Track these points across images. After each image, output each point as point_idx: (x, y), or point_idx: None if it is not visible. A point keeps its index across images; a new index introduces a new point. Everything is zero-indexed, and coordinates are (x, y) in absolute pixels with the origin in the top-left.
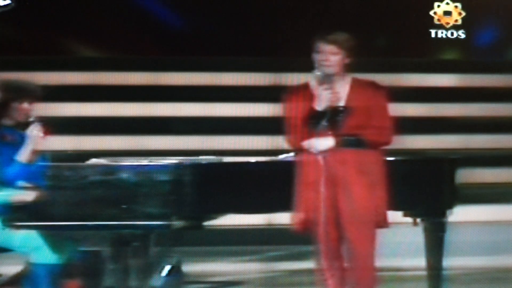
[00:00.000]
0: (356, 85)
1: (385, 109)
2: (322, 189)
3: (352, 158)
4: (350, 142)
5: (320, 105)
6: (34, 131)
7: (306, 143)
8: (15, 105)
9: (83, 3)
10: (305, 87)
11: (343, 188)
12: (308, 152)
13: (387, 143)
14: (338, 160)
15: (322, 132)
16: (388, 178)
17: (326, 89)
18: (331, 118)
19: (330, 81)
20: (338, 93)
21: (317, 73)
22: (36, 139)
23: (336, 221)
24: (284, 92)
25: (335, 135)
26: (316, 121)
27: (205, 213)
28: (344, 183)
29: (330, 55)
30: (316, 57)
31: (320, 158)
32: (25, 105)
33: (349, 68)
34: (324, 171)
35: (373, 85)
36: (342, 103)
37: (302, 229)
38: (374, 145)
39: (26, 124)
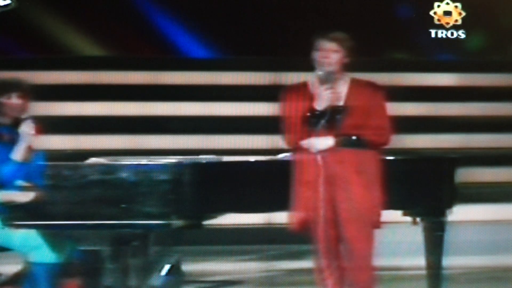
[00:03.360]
0: (354, 85)
1: (383, 109)
2: (321, 188)
3: (350, 157)
4: (349, 142)
5: (320, 105)
6: (26, 129)
7: (305, 143)
8: (3, 100)
9: (83, 2)
10: (303, 86)
11: (341, 188)
12: (306, 152)
13: (385, 143)
14: (336, 159)
15: (321, 132)
16: (388, 178)
17: (327, 88)
18: (330, 118)
19: (331, 80)
20: (339, 92)
21: (319, 72)
22: (29, 136)
23: (335, 221)
24: (282, 91)
25: (334, 134)
26: (316, 121)
27: (205, 212)
28: (342, 182)
29: (331, 53)
30: (317, 55)
31: (318, 157)
32: (14, 100)
33: (348, 67)
34: (323, 170)
35: (372, 85)
36: (341, 102)
37: (300, 229)
38: (372, 145)
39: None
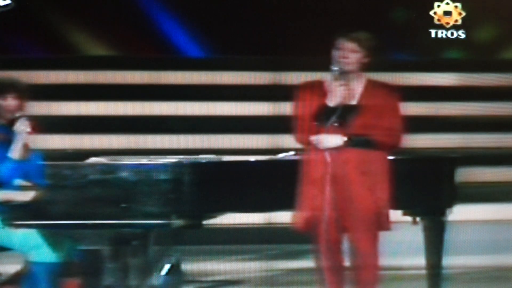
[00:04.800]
0: (370, 85)
1: (396, 111)
2: (327, 187)
3: (356, 157)
4: (358, 141)
5: (332, 101)
6: (21, 126)
7: (314, 138)
8: None
9: (83, 2)
10: (318, 84)
11: (343, 188)
12: (315, 150)
13: (396, 145)
14: (342, 159)
15: (331, 129)
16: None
17: (341, 85)
18: (341, 115)
19: (346, 77)
20: (352, 90)
21: (334, 68)
22: (24, 134)
23: (338, 220)
24: (296, 88)
25: (344, 133)
26: (327, 117)
27: (205, 212)
28: (344, 182)
29: (350, 53)
30: (336, 53)
31: (327, 155)
32: (10, 101)
33: (365, 67)
34: (330, 169)
35: (387, 87)
36: (354, 101)
37: (305, 228)
38: (382, 146)
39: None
